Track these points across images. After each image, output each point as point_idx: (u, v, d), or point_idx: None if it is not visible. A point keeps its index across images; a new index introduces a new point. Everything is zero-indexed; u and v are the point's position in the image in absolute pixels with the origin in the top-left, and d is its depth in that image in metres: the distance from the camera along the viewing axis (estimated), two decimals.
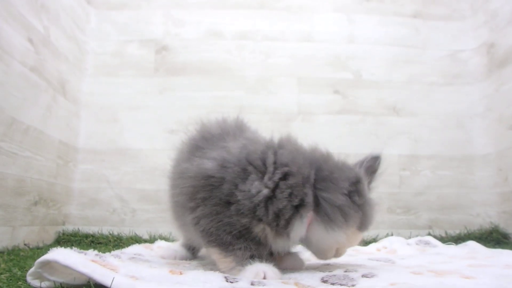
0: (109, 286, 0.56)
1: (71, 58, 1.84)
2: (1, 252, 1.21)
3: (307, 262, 0.91)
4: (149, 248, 1.23)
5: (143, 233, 1.79)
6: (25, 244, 1.43)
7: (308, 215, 0.73)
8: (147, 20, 2.07)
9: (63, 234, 1.73)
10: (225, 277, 0.66)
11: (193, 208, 0.76)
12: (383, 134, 2.00)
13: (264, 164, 0.74)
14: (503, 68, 1.89)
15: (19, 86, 1.41)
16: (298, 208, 0.72)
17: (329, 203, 0.73)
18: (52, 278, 0.61)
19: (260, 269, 0.69)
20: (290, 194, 0.71)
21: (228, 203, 0.72)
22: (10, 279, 0.72)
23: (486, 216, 1.91)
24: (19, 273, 0.80)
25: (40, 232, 1.57)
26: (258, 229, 0.73)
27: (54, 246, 0.68)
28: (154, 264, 0.85)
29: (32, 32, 1.50)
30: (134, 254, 1.05)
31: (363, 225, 0.78)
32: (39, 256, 0.62)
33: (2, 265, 0.92)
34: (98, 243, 1.64)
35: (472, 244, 1.42)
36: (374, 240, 1.70)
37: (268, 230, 0.73)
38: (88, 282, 0.59)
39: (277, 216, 0.71)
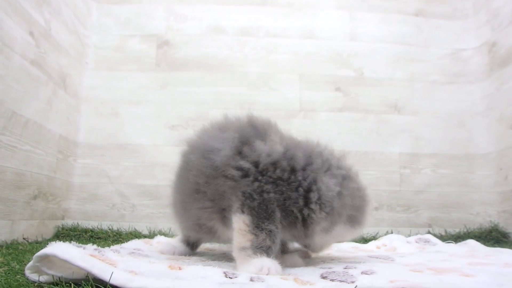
0: (107, 280, 0.56)
1: (72, 52, 1.84)
2: (0, 246, 1.21)
3: (306, 259, 0.91)
4: (148, 244, 1.23)
5: (143, 228, 1.80)
6: (24, 238, 1.43)
7: None
8: (149, 14, 2.06)
9: (63, 228, 1.73)
10: (224, 273, 0.66)
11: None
12: (384, 132, 1.99)
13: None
14: (504, 68, 1.88)
15: (20, 80, 1.40)
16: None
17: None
18: (51, 272, 0.61)
19: (265, 264, 0.70)
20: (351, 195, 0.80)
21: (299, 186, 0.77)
22: (9, 273, 0.72)
23: (486, 215, 1.91)
24: (17, 267, 0.80)
25: (39, 226, 1.57)
26: (307, 212, 0.77)
27: (53, 241, 0.68)
28: (153, 259, 0.85)
29: (33, 25, 1.50)
30: (134, 249, 1.05)
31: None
32: (37, 250, 0.61)
33: (1, 259, 0.92)
34: (98, 238, 1.64)
35: (471, 242, 1.42)
36: (374, 237, 1.70)
37: (317, 221, 0.77)
38: (87, 276, 0.59)
39: (340, 210, 0.78)
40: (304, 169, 0.78)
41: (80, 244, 0.74)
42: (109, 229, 1.73)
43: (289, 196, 0.76)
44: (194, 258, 0.97)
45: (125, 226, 1.80)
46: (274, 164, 0.77)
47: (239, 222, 0.76)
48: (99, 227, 1.76)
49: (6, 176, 1.33)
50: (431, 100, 2.03)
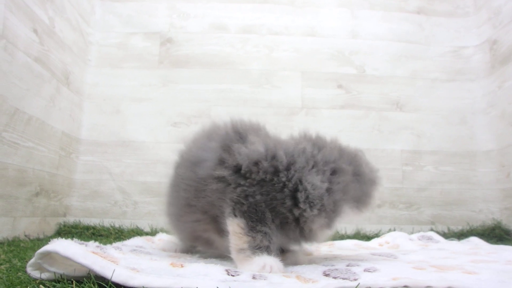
0: (109, 278, 0.56)
1: (75, 49, 1.84)
2: (2, 243, 1.21)
3: (309, 257, 0.91)
4: (150, 241, 1.23)
5: (145, 225, 1.80)
6: (25, 235, 1.44)
7: None
8: (152, 12, 2.06)
9: (64, 225, 1.73)
10: (226, 270, 0.65)
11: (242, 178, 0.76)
12: (386, 129, 1.99)
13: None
14: (505, 65, 1.87)
15: (23, 76, 1.40)
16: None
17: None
18: (52, 269, 0.61)
19: (267, 262, 0.70)
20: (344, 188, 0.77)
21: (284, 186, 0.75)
22: (10, 270, 0.72)
23: (488, 212, 1.90)
24: (19, 264, 0.80)
25: (41, 223, 1.58)
26: (298, 212, 0.75)
27: (55, 238, 0.68)
28: (155, 256, 0.85)
29: (37, 23, 1.50)
30: (135, 247, 1.05)
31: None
32: (39, 247, 0.61)
33: (2, 256, 0.92)
34: (99, 235, 1.64)
35: (474, 240, 1.42)
36: (377, 235, 1.70)
37: (311, 217, 0.75)
38: (89, 273, 0.59)
39: (333, 207, 0.76)
40: (287, 169, 0.75)
41: (82, 241, 0.74)
42: (111, 226, 1.73)
43: (275, 197, 0.75)
44: (196, 255, 0.97)
45: (127, 223, 1.80)
46: (256, 165, 0.75)
47: (234, 225, 0.75)
48: (101, 224, 1.77)
49: (8, 173, 1.33)
50: (433, 98, 2.03)
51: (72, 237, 0.72)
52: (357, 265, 0.74)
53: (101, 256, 0.61)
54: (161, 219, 1.84)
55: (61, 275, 0.60)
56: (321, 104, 1.99)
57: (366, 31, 2.09)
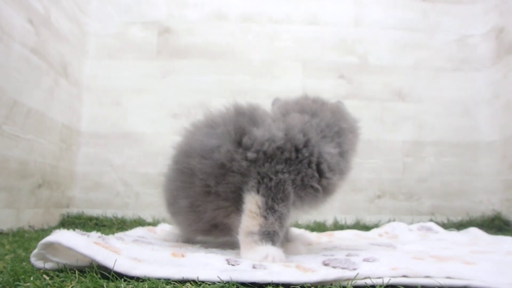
0: (111, 268, 0.57)
1: (72, 39, 1.82)
2: (6, 234, 1.23)
3: (309, 246, 0.91)
4: (152, 231, 1.24)
5: (147, 216, 1.81)
6: (30, 226, 1.45)
7: None
8: (150, 1, 2.04)
9: (68, 216, 1.74)
10: (227, 260, 0.66)
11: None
12: (388, 119, 1.98)
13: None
14: (511, 54, 1.85)
15: (20, 68, 1.40)
16: None
17: None
18: (55, 259, 0.62)
19: (270, 252, 0.71)
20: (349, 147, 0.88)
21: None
22: (15, 260, 0.73)
23: (488, 203, 1.90)
24: (23, 254, 0.81)
25: (45, 215, 1.59)
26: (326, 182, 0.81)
27: (59, 228, 0.68)
28: (156, 246, 0.85)
29: (32, 13, 1.49)
30: (137, 237, 1.06)
31: None
32: (43, 238, 0.62)
33: (7, 246, 0.93)
34: (103, 226, 1.66)
35: (474, 230, 1.42)
36: (376, 225, 1.71)
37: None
38: (91, 263, 0.59)
39: (347, 165, 0.86)
40: (306, 145, 0.80)
41: (84, 232, 0.75)
42: (114, 217, 1.74)
43: (306, 174, 0.79)
44: (197, 245, 0.98)
45: (129, 214, 1.81)
46: (280, 148, 0.78)
47: (252, 203, 0.76)
48: (103, 215, 1.78)
49: (10, 165, 1.34)
50: (436, 88, 2.01)
51: (75, 228, 0.73)
52: (357, 255, 0.75)
53: (103, 247, 0.62)
54: (163, 210, 1.85)
55: (64, 265, 0.61)
56: (323, 95, 1.97)
57: (369, 19, 2.06)
